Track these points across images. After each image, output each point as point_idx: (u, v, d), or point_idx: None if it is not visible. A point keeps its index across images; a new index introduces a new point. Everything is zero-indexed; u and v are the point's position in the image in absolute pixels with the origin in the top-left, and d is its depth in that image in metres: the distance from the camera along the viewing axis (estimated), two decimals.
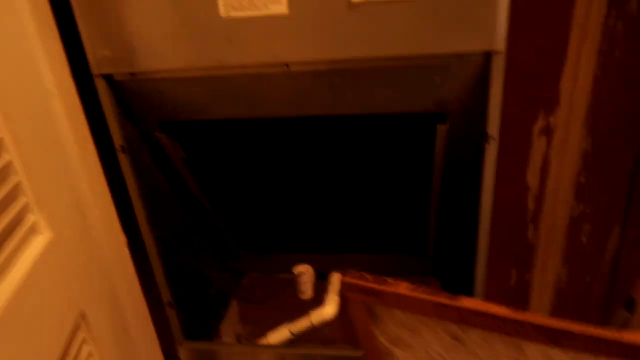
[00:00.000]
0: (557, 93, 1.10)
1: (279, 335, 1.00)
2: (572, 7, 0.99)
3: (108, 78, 0.69)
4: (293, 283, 1.06)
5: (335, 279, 1.06)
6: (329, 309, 0.98)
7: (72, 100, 0.67)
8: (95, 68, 0.68)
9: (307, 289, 1.03)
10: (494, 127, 0.63)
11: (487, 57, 0.57)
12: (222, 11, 0.61)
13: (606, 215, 0.96)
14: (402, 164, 0.84)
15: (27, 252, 0.51)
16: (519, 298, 1.37)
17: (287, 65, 0.64)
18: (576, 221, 1.12)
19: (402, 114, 0.71)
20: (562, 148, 1.14)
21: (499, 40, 0.55)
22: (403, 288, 0.87)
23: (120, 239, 0.79)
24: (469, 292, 0.77)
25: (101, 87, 0.69)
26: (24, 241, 0.51)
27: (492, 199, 0.68)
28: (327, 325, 1.00)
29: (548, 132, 1.15)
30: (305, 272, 1.02)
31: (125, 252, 0.80)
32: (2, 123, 0.49)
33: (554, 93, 1.10)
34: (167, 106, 0.73)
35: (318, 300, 1.05)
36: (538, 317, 0.52)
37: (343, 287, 0.83)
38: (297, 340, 0.99)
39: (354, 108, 0.70)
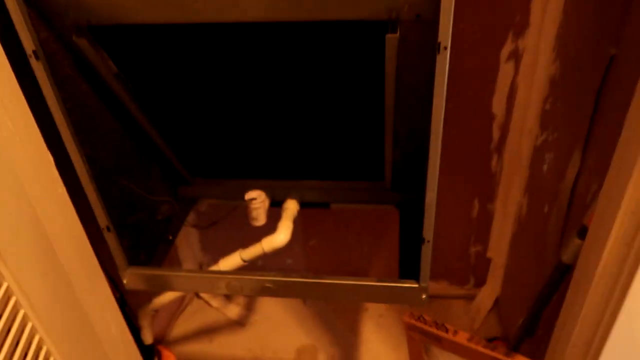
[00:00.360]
0: (527, 13, 1.03)
1: (230, 261, 0.97)
2: None
3: None
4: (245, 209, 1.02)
5: (290, 205, 1.03)
6: (281, 236, 0.95)
7: None
8: None
9: (259, 215, 0.99)
10: (446, 35, 0.57)
11: None
12: None
13: (567, 142, 0.92)
14: (353, 80, 0.78)
15: None
16: (481, 228, 1.36)
17: None
18: (539, 149, 1.09)
19: (350, 21, 0.64)
20: (530, 73, 1.09)
21: None
22: (461, 337, 0.87)
23: (45, 157, 0.72)
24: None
25: None
26: None
27: (443, 112, 0.62)
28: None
29: (516, 56, 1.09)
30: (256, 197, 0.98)
31: (53, 172, 0.74)
32: None
33: (524, 13, 1.03)
34: (86, 6, 0.65)
35: (270, 226, 1.01)
36: None
37: (405, 326, 0.88)
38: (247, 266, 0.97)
39: (299, 12, 0.62)
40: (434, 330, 0.91)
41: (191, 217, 1.33)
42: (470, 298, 1.49)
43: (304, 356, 1.35)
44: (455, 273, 1.48)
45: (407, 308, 1.49)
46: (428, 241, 0.75)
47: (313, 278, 0.83)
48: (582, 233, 0.78)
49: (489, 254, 1.41)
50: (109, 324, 0.89)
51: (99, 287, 0.85)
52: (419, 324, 0.92)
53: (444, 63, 0.59)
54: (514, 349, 1.11)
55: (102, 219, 0.81)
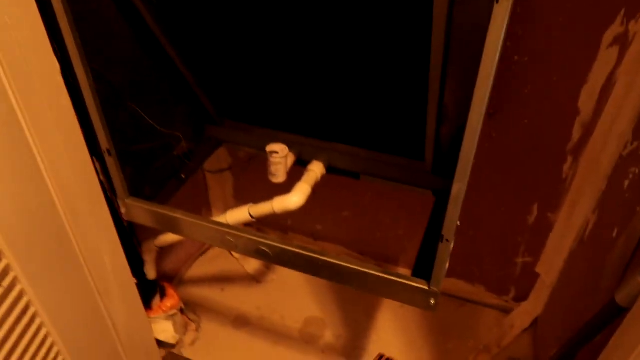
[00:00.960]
0: None
1: (238, 214, 0.90)
2: None
3: None
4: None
5: (315, 168, 0.93)
6: (294, 198, 0.85)
7: None
8: None
9: (278, 171, 0.90)
10: None
11: None
12: None
13: None
14: (399, 38, 0.65)
15: None
16: (535, 238, 1.19)
17: None
18: (624, 161, 0.90)
19: None
20: (636, 66, 0.88)
21: None
22: None
23: (52, 64, 0.67)
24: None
25: None
26: None
27: (491, 83, 0.48)
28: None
29: (623, 42, 0.88)
30: (278, 152, 0.88)
31: (58, 80, 0.69)
32: None
33: None
34: None
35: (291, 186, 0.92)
36: None
37: None
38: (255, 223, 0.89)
39: None
40: None
41: (213, 161, 1.27)
42: (506, 310, 1.33)
43: (311, 328, 1.28)
44: (496, 280, 1.32)
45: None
46: (447, 240, 0.62)
47: (313, 253, 0.73)
48: None
49: (539, 269, 1.23)
50: (101, 250, 0.85)
51: (94, 210, 0.81)
52: None
53: (502, 17, 0.44)
54: None
55: (103, 141, 0.75)
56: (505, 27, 0.45)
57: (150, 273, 1.07)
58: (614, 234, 0.86)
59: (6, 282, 0.66)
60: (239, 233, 0.76)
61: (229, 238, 0.77)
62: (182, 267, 1.39)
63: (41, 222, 0.70)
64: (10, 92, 0.62)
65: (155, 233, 1.03)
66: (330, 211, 1.39)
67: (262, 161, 0.97)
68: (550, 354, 1.01)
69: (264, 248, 0.75)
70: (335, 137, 0.92)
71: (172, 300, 1.15)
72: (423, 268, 0.73)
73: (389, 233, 1.37)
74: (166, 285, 1.18)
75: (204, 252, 1.48)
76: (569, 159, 1.05)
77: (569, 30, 0.89)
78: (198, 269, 1.43)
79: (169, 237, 0.99)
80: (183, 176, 0.95)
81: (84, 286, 0.83)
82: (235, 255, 1.47)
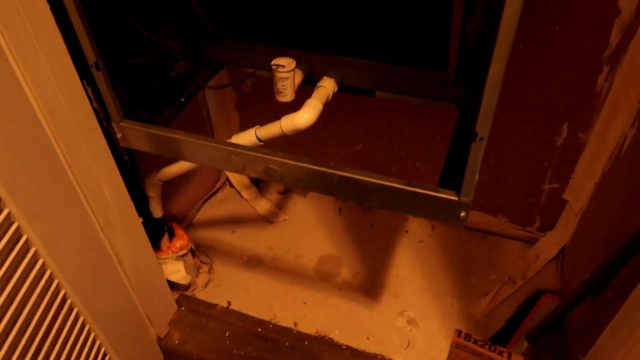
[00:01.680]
0: None
1: (245, 137, 0.83)
2: None
3: None
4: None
5: (325, 84, 0.84)
6: (304, 116, 0.78)
7: None
8: None
9: (286, 88, 0.82)
10: None
11: None
12: None
13: None
14: None
15: None
16: (564, 161, 1.10)
17: None
18: None
19: None
20: None
21: None
22: None
23: None
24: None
25: None
26: None
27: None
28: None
29: None
30: (285, 65, 0.80)
31: None
32: None
33: None
34: None
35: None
36: None
37: (452, 344, 0.85)
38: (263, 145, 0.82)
39: None
40: (485, 351, 0.84)
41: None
42: (530, 242, 1.26)
43: (326, 266, 1.23)
44: (520, 210, 1.25)
45: (448, 228, 1.30)
46: (482, 138, 0.54)
47: (329, 168, 0.66)
48: None
49: (567, 195, 1.15)
50: (100, 182, 0.79)
51: (89, 138, 0.74)
52: (470, 345, 0.85)
53: None
54: (571, 306, 0.91)
55: (89, 53, 0.67)
56: None
57: (156, 211, 1.02)
58: None
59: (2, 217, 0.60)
60: (245, 151, 0.69)
61: (234, 158, 0.70)
62: (190, 209, 1.34)
63: (34, 156, 0.64)
64: None
65: (158, 167, 0.97)
66: (343, 144, 1.31)
67: (267, 84, 0.89)
68: (581, 280, 0.95)
69: (273, 166, 0.68)
70: (347, 50, 0.83)
71: (181, 241, 1.10)
72: (450, 180, 0.66)
73: (405, 166, 1.29)
74: (174, 225, 1.13)
75: (213, 194, 1.42)
76: (605, 68, 0.95)
77: None
78: (207, 211, 1.38)
79: (173, 169, 0.92)
80: (182, 99, 0.87)
81: (85, 220, 0.77)
82: (245, 195, 1.41)
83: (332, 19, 0.81)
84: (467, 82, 0.79)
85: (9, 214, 0.63)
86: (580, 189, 1.11)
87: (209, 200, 1.41)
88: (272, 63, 0.80)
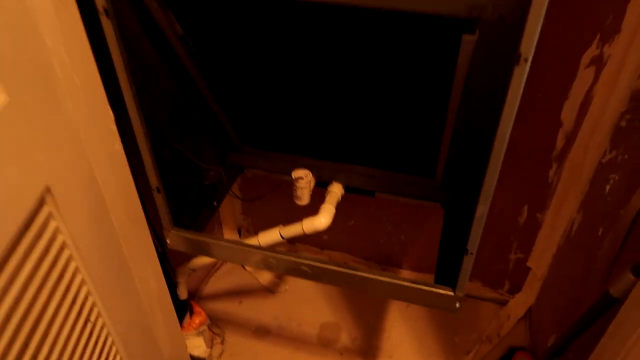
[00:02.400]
0: (620, 17, 0.94)
1: (269, 236, 0.98)
2: None
3: None
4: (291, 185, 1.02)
5: (335, 189, 1.02)
6: (322, 220, 0.95)
7: None
8: None
9: (303, 195, 0.99)
10: (529, 45, 0.53)
11: None
12: None
13: (638, 168, 0.86)
14: (420, 74, 0.75)
15: None
16: (526, 236, 1.32)
17: None
18: (604, 167, 1.03)
19: (427, 15, 0.60)
20: (610, 84, 1.01)
21: None
22: None
23: (107, 114, 0.74)
24: (469, 226, 0.72)
25: None
26: None
27: (510, 128, 0.59)
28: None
29: (599, 63, 1.01)
30: (303, 177, 0.97)
31: (112, 128, 0.76)
32: None
33: (616, 16, 0.94)
34: None
35: (313, 206, 1.01)
36: None
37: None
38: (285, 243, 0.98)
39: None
40: None
41: (236, 186, 1.35)
42: (502, 303, 1.45)
43: (327, 333, 1.37)
44: (491, 275, 1.45)
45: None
46: (471, 253, 0.72)
47: (349, 269, 0.82)
48: (638, 270, 0.74)
49: (530, 264, 1.36)
50: (149, 276, 0.92)
51: (143, 242, 0.88)
52: None
53: (521, 76, 0.55)
54: None
55: (153, 180, 0.83)
56: (523, 82, 0.55)
57: (183, 293, 1.15)
58: (600, 233, 0.99)
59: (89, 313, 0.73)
60: (281, 256, 0.84)
61: (271, 260, 0.85)
62: (200, 284, 1.46)
63: (111, 258, 0.78)
64: (82, 135, 0.68)
65: (186, 256, 1.11)
66: (337, 221, 1.48)
67: (267, 181, 1.06)
68: (545, 340, 1.14)
69: (305, 268, 0.84)
70: (352, 158, 1.02)
71: (200, 317, 1.22)
72: (444, 275, 0.84)
73: (391, 239, 1.47)
74: (193, 303, 1.25)
75: (217, 268, 1.55)
76: (554, 165, 1.18)
77: (552, 53, 1.01)
78: (214, 284, 1.51)
79: (204, 260, 1.06)
80: (215, 203, 1.02)
81: (139, 306, 0.90)
82: (249, 268, 1.55)
83: (339, 133, 0.99)
84: (450, 187, 0.99)
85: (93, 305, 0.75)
86: (540, 259, 1.31)
87: (215, 274, 1.54)
88: (292, 176, 0.98)
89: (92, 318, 0.70)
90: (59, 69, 0.60)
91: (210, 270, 1.51)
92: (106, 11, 0.65)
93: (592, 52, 1.00)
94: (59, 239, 0.61)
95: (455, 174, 0.94)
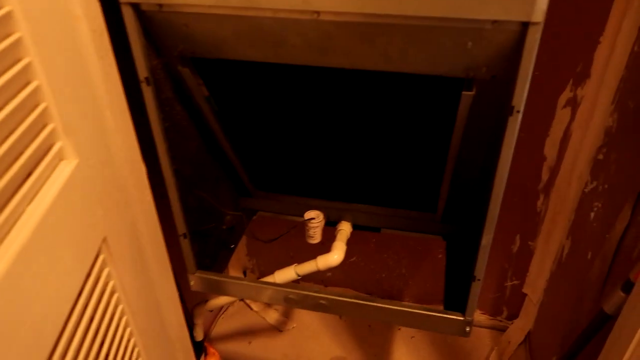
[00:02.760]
0: (589, 64, 1.07)
1: (285, 274, 1.05)
2: None
3: (135, 7, 0.68)
4: (302, 225, 1.09)
5: (344, 227, 1.09)
6: (335, 256, 1.02)
7: (99, 26, 0.67)
8: None
9: (315, 234, 1.06)
10: (520, 99, 0.63)
11: (524, 27, 0.56)
12: None
13: (618, 195, 0.96)
14: (422, 124, 0.84)
15: (54, 176, 0.54)
16: (520, 263, 1.40)
17: (318, 13, 0.63)
18: (587, 196, 1.13)
19: (428, 76, 0.70)
20: (585, 122, 1.12)
21: (539, 12, 0.54)
22: None
23: (140, 168, 0.81)
24: (474, 255, 0.80)
25: (127, 15, 0.69)
26: (51, 166, 0.54)
27: (508, 171, 0.68)
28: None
29: (573, 104, 1.13)
30: (315, 218, 1.05)
31: (145, 181, 0.83)
32: (31, 46, 0.50)
33: (585, 64, 1.07)
34: (193, 41, 0.73)
35: (323, 244, 1.08)
36: None
37: None
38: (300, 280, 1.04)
39: (381, 63, 0.69)
40: None
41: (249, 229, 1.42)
42: (501, 329, 1.52)
43: None
44: (489, 303, 1.52)
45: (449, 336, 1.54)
46: (479, 279, 0.80)
47: (365, 300, 0.89)
48: (627, 287, 0.82)
49: (525, 290, 1.44)
50: (173, 319, 0.97)
51: (170, 285, 0.93)
52: None
53: (514, 124, 0.64)
54: None
55: (180, 227, 0.89)
56: (517, 129, 0.65)
57: (199, 334, 1.19)
58: (589, 257, 1.08)
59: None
60: (301, 291, 0.91)
61: (292, 297, 0.92)
62: (210, 326, 1.49)
63: (148, 301, 0.83)
64: (127, 188, 0.75)
65: (202, 297, 1.16)
66: None
67: (275, 223, 1.13)
68: None
69: (323, 302, 0.90)
70: (359, 199, 1.10)
71: (214, 358, 1.26)
72: (452, 301, 0.91)
73: (392, 272, 1.54)
74: (206, 344, 1.29)
75: (225, 310, 1.59)
76: (541, 196, 1.27)
77: (533, 97, 1.13)
78: (222, 325, 1.54)
79: (221, 300, 1.12)
80: (232, 246, 1.09)
81: (169, 352, 0.95)
82: (255, 308, 1.59)
83: (346, 175, 1.07)
84: (450, 221, 1.07)
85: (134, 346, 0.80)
86: (535, 285, 1.39)
87: (222, 316, 1.58)
88: (305, 217, 1.05)
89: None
90: (110, 132, 0.68)
91: (218, 311, 1.55)
92: (147, 80, 0.73)
93: (567, 94, 1.12)
94: (111, 284, 0.67)
95: (455, 207, 1.03)
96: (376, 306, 0.88)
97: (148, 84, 0.74)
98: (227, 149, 0.99)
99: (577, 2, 0.99)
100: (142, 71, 0.73)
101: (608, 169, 1.05)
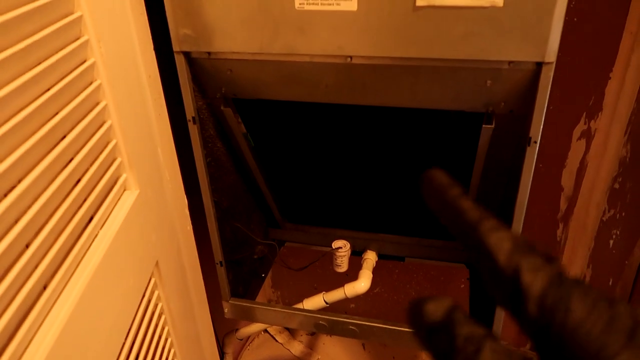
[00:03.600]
0: (601, 98, 1.12)
1: (314, 302, 1.09)
2: (625, 14, 1.01)
3: (186, 55, 0.76)
4: (328, 255, 1.14)
5: (370, 256, 1.14)
6: (362, 284, 1.06)
7: (153, 72, 0.75)
8: (176, 45, 0.75)
9: (342, 263, 1.11)
10: (537, 131, 0.68)
11: (538, 66, 0.62)
12: (297, 4, 0.67)
13: (636, 222, 0.99)
14: (445, 156, 0.90)
15: (119, 204, 0.60)
16: None
17: (350, 58, 0.70)
18: (605, 224, 1.16)
19: (451, 111, 0.76)
20: (600, 152, 1.17)
21: (551, 52, 0.60)
22: None
23: (183, 200, 0.88)
24: None
25: (180, 63, 0.77)
26: (118, 195, 0.60)
27: (527, 198, 0.73)
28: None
29: (588, 136, 1.18)
30: (342, 247, 1.09)
31: (186, 212, 0.89)
32: (108, 91, 0.58)
33: (598, 98, 1.12)
34: (236, 84, 0.80)
35: (347, 275, 1.13)
36: None
37: None
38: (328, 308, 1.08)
39: (408, 101, 0.75)
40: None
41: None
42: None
43: None
44: (514, 333, 1.52)
45: None
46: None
47: (393, 325, 0.93)
48: None
49: None
50: (207, 346, 1.01)
51: (205, 313, 0.98)
52: None
53: (532, 155, 0.70)
54: None
55: (217, 255, 0.95)
56: (534, 159, 0.70)
57: None
58: (610, 283, 1.10)
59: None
60: (331, 317, 0.95)
61: (321, 322, 0.96)
62: (236, 357, 1.52)
63: (189, 327, 0.88)
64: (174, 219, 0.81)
65: (228, 328, 1.20)
66: None
67: (293, 251, 1.18)
68: None
69: (353, 327, 0.94)
70: (384, 228, 1.15)
71: None
72: None
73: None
74: None
75: (251, 341, 1.62)
76: (561, 225, 1.31)
77: (549, 129, 1.18)
78: (249, 357, 1.57)
79: (252, 328, 1.16)
80: (263, 275, 1.14)
81: None
82: (280, 340, 1.61)
83: (372, 206, 1.13)
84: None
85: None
86: None
87: (248, 346, 1.60)
88: (332, 246, 1.10)
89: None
90: (162, 166, 0.75)
91: (245, 343, 1.58)
92: (193, 119, 0.80)
93: (581, 127, 1.17)
94: (159, 306, 0.73)
95: None
96: (404, 331, 0.92)
97: (194, 122, 0.81)
98: (260, 182, 1.06)
99: (587, 41, 1.06)
100: (190, 111, 0.80)
101: (624, 197, 1.08)
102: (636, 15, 1.02)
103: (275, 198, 1.13)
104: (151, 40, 0.74)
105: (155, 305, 0.71)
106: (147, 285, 0.67)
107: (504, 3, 0.59)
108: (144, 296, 0.66)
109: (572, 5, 1.03)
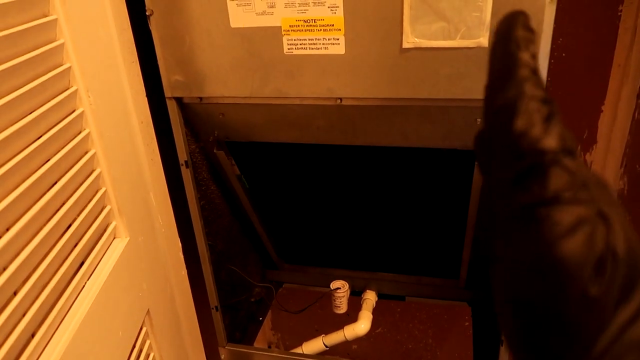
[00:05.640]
0: (594, 130, 1.13)
1: (313, 345, 1.06)
2: (613, 47, 1.03)
3: (178, 100, 0.77)
4: (327, 296, 1.11)
5: (370, 296, 1.12)
6: (362, 326, 1.03)
7: (145, 117, 0.76)
8: (168, 91, 0.76)
9: (342, 304, 1.08)
10: None
11: None
12: (286, 48, 0.69)
13: None
14: (440, 193, 0.90)
15: (108, 253, 0.59)
16: None
17: (340, 100, 0.71)
18: None
19: (443, 149, 0.76)
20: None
21: None
22: None
23: (177, 245, 0.87)
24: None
25: (172, 108, 0.78)
26: (107, 244, 0.60)
27: None
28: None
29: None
30: (341, 287, 1.07)
31: (180, 257, 0.88)
32: (97, 140, 0.58)
33: (591, 130, 1.13)
34: (228, 127, 0.81)
35: (348, 315, 1.10)
36: None
37: None
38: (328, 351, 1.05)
39: (399, 140, 0.76)
40: None
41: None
42: None
43: None
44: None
45: None
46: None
47: None
48: None
49: None
50: None
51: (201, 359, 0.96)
52: None
53: None
54: None
55: (212, 299, 0.93)
56: None
57: None
58: None
59: None
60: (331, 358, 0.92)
61: None
62: None
63: None
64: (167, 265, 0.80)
65: None
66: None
67: (292, 293, 1.15)
68: None
69: None
70: (383, 268, 1.13)
71: None
72: None
73: (419, 342, 1.52)
74: None
75: None
76: None
77: None
78: None
79: None
80: (260, 318, 1.11)
81: None
82: None
83: (370, 246, 1.11)
84: (473, 286, 1.09)
85: None
86: None
87: None
88: (331, 287, 1.08)
89: None
90: (154, 211, 0.74)
91: None
92: (186, 163, 0.80)
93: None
94: (151, 357, 0.70)
95: (478, 273, 1.05)
96: None
97: (187, 166, 0.81)
98: (256, 224, 1.05)
99: (577, 75, 1.07)
100: (182, 155, 0.81)
101: None
102: (623, 47, 1.03)
103: (272, 239, 1.12)
104: (143, 87, 0.75)
105: (147, 356, 0.69)
106: (138, 335, 0.65)
107: (489, 43, 0.60)
108: (134, 347, 0.64)
109: (559, 42, 1.05)
